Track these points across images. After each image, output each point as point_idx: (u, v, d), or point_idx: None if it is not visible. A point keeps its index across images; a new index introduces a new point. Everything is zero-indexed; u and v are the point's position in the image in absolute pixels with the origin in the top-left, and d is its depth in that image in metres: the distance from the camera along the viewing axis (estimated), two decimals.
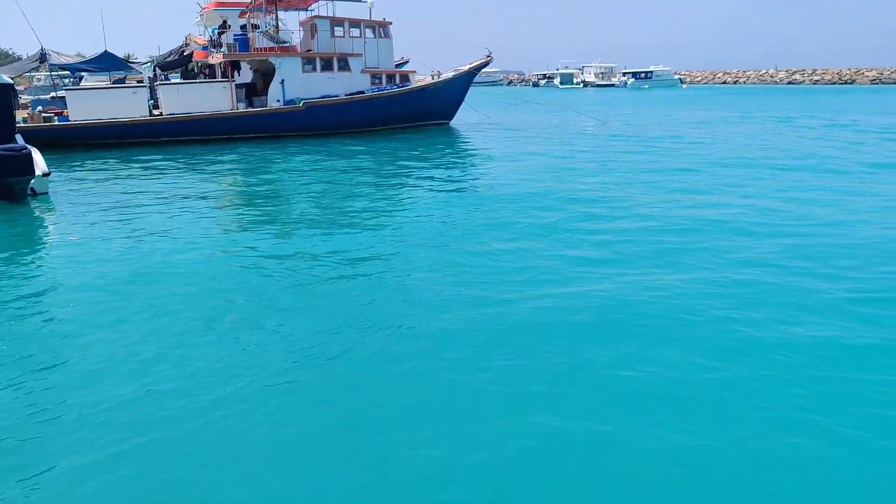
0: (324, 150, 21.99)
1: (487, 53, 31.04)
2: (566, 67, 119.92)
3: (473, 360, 5.57)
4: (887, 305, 6.64)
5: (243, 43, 25.98)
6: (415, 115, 29.00)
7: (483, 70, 32.99)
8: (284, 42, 27.11)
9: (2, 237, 10.35)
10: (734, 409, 4.70)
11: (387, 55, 28.65)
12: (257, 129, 25.57)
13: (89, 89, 25.62)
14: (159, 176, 16.88)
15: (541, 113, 39.94)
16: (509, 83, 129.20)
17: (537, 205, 11.90)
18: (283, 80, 25.84)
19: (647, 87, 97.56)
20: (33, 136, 18.93)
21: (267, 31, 26.55)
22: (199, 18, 30.65)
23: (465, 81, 30.60)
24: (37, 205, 12.99)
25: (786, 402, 4.80)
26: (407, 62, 36.88)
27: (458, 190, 14.14)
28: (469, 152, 21.82)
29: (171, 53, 31.49)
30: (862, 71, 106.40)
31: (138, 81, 27.50)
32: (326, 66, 26.80)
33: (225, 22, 27.72)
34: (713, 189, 13.36)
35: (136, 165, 18.99)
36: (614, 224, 10.38)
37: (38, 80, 39.32)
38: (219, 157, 20.69)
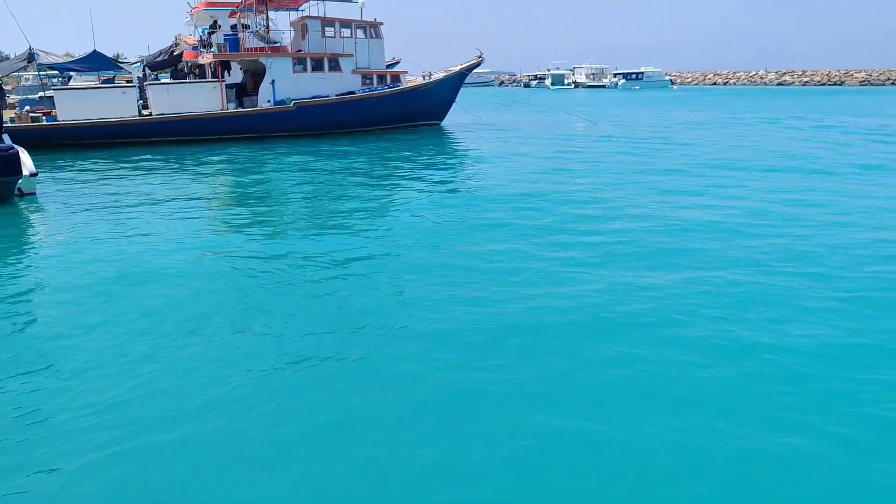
0: (314, 151, 21.93)
1: (479, 54, 31.05)
2: (557, 68, 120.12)
3: (468, 360, 5.56)
4: (875, 305, 6.67)
5: (234, 43, 25.87)
6: (406, 115, 28.97)
7: (474, 71, 32.98)
8: (275, 42, 27.03)
9: None
10: (728, 408, 4.71)
11: (378, 55, 28.59)
12: (247, 129, 25.46)
13: (78, 89, 25.45)
14: (148, 176, 16.78)
15: (532, 114, 39.99)
16: (501, 84, 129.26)
17: (528, 206, 11.90)
18: (273, 81, 25.75)
19: (637, 87, 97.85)
20: (21, 136, 18.75)
21: (257, 31, 26.46)
22: (189, 18, 30.50)
23: (456, 82, 30.60)
24: (24, 205, 12.89)
25: (776, 400, 4.81)
26: (398, 62, 36.84)
27: (449, 191, 14.13)
28: (460, 153, 21.81)
29: (160, 53, 31.32)
30: (851, 72, 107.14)
31: (128, 81, 27.31)
32: (317, 66, 26.73)
33: (215, 22, 27.59)
34: (703, 190, 13.41)
35: (125, 166, 18.87)
36: (605, 225, 10.39)
37: (27, 79, 39.05)
38: (209, 158, 20.59)
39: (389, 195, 13.84)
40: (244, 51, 25.94)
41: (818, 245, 8.93)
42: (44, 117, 23.45)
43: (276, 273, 8.06)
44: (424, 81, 29.94)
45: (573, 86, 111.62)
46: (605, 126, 31.18)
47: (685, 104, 53.22)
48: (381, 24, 28.69)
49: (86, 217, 11.60)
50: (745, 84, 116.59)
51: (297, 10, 29.52)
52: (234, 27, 27.07)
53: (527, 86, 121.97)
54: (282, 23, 32.26)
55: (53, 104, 23.74)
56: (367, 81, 27.91)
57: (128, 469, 4.10)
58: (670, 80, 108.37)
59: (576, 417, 4.65)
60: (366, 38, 28.11)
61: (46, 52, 26.68)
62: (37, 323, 6.54)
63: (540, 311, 6.60)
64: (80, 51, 28.51)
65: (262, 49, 26.10)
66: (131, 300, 7.06)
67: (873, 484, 3.92)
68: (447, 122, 31.74)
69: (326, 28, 27.39)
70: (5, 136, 13.87)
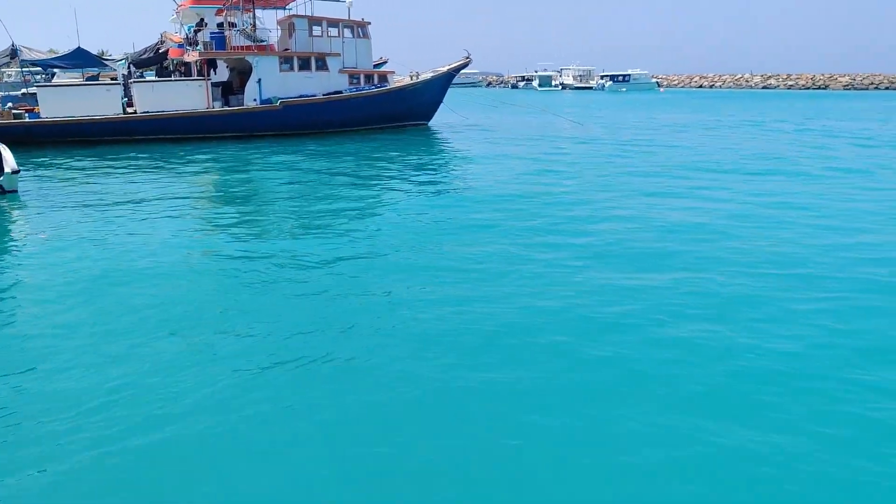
0: (301, 151, 21.84)
1: (466, 55, 31.08)
2: (545, 70, 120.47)
3: (458, 360, 5.56)
4: (857, 307, 6.73)
5: (220, 41, 25.72)
6: (393, 115, 28.93)
7: (462, 71, 33.00)
8: (262, 41, 26.88)
9: None
10: (713, 406, 4.74)
11: (365, 55, 28.54)
12: (233, 128, 25.33)
13: (61, 86, 25.20)
14: (132, 175, 16.64)
15: (519, 115, 40.06)
16: (488, 85, 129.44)
17: (516, 207, 11.91)
18: (259, 79, 25.63)
19: (624, 90, 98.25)
20: (3, 133, 18.59)
21: (244, 29, 26.30)
22: (175, 16, 30.29)
23: (443, 82, 30.60)
24: (5, 202, 12.73)
25: (760, 399, 4.85)
26: (385, 62, 36.79)
27: (437, 192, 14.11)
28: (448, 153, 21.80)
29: (146, 51, 31.10)
30: (835, 77, 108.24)
31: (112, 79, 27.09)
32: (304, 65, 26.63)
33: (202, 20, 27.40)
34: (688, 192, 13.48)
35: (109, 164, 18.70)
36: (592, 226, 10.42)
37: (9, 76, 38.54)
38: (194, 157, 20.45)
39: (376, 196, 13.80)
40: (230, 49, 25.79)
41: (802, 247, 9.00)
42: (26, 114, 23.21)
43: (262, 273, 8.01)
44: (412, 82, 29.91)
45: (560, 87, 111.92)
46: (592, 128, 31.29)
47: (671, 107, 53.51)
48: (369, 23, 28.64)
49: (68, 215, 11.48)
50: (730, 87, 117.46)
51: (284, 8, 29.41)
52: (220, 25, 26.90)
53: (514, 87, 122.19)
54: (269, 21, 32.22)
55: (36, 101, 23.51)
56: (355, 81, 27.85)
57: (113, 470, 4.06)
58: (657, 82, 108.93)
59: (565, 416, 4.67)
60: (353, 37, 28.05)
61: (30, 49, 26.38)
62: (17, 322, 6.46)
63: (528, 312, 6.61)
64: (64, 47, 28.20)
65: (248, 47, 25.96)
66: (114, 299, 6.99)
67: (856, 482, 3.96)
68: (434, 123, 31.73)
69: (314, 27, 27.29)
70: None
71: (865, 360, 5.53)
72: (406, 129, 29.31)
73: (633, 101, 64.10)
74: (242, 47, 25.90)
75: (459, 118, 34.65)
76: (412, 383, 5.18)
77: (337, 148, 22.63)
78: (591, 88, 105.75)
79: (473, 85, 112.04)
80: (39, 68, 28.05)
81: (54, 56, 28.38)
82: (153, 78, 28.57)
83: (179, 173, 17.05)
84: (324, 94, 26.86)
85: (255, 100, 25.74)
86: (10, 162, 13.39)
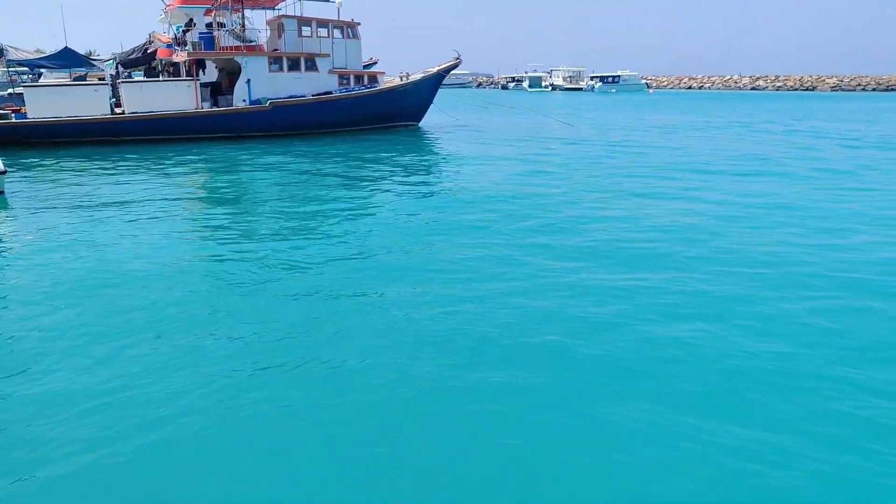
0: (290, 151, 21.77)
1: (456, 55, 31.07)
2: (535, 71, 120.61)
3: (453, 361, 5.57)
4: (846, 307, 6.77)
5: (209, 41, 25.60)
6: (383, 116, 28.89)
7: (452, 72, 33.00)
8: (251, 41, 26.79)
9: None
10: (708, 406, 4.75)
11: (355, 56, 28.49)
12: (222, 128, 25.22)
13: (49, 86, 25.01)
14: (120, 176, 16.53)
15: (509, 116, 40.10)
16: (478, 85, 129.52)
17: (506, 208, 11.91)
18: (249, 80, 25.54)
19: (614, 91, 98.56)
20: None
21: (233, 29, 26.20)
22: (164, 16, 30.11)
23: (433, 83, 30.59)
24: None
25: (749, 396, 4.86)
26: (375, 63, 36.73)
27: (426, 193, 14.10)
28: (438, 154, 21.79)
29: (134, 51, 30.88)
30: (823, 78, 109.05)
31: (100, 79, 26.91)
32: (293, 65, 26.55)
33: (190, 20, 27.26)
34: (678, 193, 13.52)
35: (97, 165, 18.58)
36: (582, 227, 10.43)
37: None
38: (182, 158, 20.35)
39: (367, 197, 13.77)
40: (219, 49, 25.68)
41: (791, 247, 9.05)
42: (13, 114, 23.01)
43: (253, 275, 7.97)
44: (402, 82, 29.88)
45: (550, 88, 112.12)
46: (582, 129, 31.36)
47: (661, 108, 53.73)
48: (359, 24, 28.59)
49: (55, 216, 11.39)
50: (719, 88, 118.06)
51: (274, 8, 29.30)
52: (209, 25, 26.78)
53: (504, 88, 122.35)
54: (258, 21, 32.03)
55: (23, 101, 23.30)
56: (344, 82, 27.79)
57: (105, 473, 4.03)
58: (646, 83, 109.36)
59: (560, 414, 4.69)
60: (343, 38, 27.99)
61: (16, 48, 26.15)
62: (3, 324, 6.38)
63: (521, 312, 6.62)
64: (51, 47, 28.02)
65: (237, 48, 25.86)
66: (102, 301, 6.94)
67: (847, 479, 3.99)
68: (424, 123, 31.72)
69: (303, 27, 27.22)
70: None
71: (855, 359, 5.56)
72: (396, 130, 29.27)
73: (623, 102, 64.32)
74: (231, 48, 25.80)
75: (450, 119, 34.64)
76: (407, 383, 5.18)
77: (327, 149, 22.57)
78: (580, 89, 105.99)
79: (463, 86, 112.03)
80: (26, 68, 27.83)
81: (41, 56, 28.16)
82: (141, 78, 28.41)
83: (168, 174, 16.96)
84: (313, 95, 26.79)
85: (244, 100, 25.64)
86: None
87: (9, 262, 8.69)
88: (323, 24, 27.57)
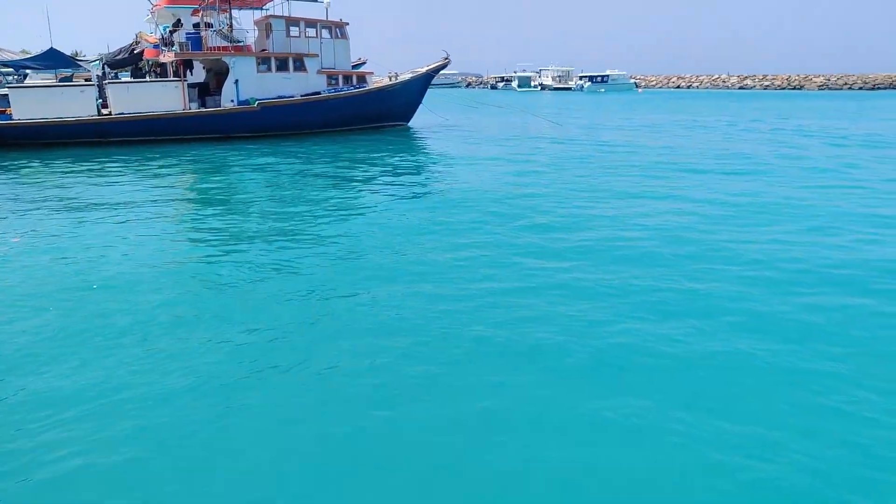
0: (279, 152, 21.69)
1: (445, 55, 31.05)
2: (524, 70, 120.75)
3: (445, 362, 5.55)
4: (835, 305, 6.81)
5: (196, 41, 25.47)
6: (372, 116, 28.84)
7: (441, 72, 32.97)
8: (238, 41, 26.67)
9: None
10: (697, 402, 4.77)
11: (343, 56, 28.42)
12: (210, 129, 25.10)
13: (34, 87, 24.81)
14: (107, 178, 16.41)
15: (498, 115, 40.14)
16: (468, 85, 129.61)
17: (497, 209, 11.90)
18: (237, 80, 25.42)
19: (603, 90, 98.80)
20: None
21: (220, 29, 26.07)
22: (151, 16, 29.95)
23: (422, 83, 30.56)
24: None
25: (741, 392, 4.89)
26: (364, 63, 36.68)
27: (416, 194, 14.08)
28: (427, 154, 21.77)
29: (120, 51, 30.66)
30: (811, 77, 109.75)
31: (86, 80, 26.71)
32: (282, 66, 26.45)
33: (178, 20, 27.13)
34: (666, 193, 13.56)
35: (83, 167, 18.44)
36: (571, 227, 10.45)
37: None
38: (170, 159, 20.23)
39: (356, 197, 13.73)
40: (207, 50, 25.55)
41: (778, 245, 9.09)
42: None
43: (241, 277, 7.92)
44: (391, 82, 29.83)
45: (539, 88, 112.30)
46: (571, 128, 31.42)
47: (649, 107, 53.93)
48: (347, 24, 28.52)
49: (42, 219, 11.29)
50: (707, 87, 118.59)
51: (262, 8, 29.19)
52: (196, 25, 26.64)
53: (493, 87, 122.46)
54: (245, 22, 31.94)
55: (8, 102, 23.09)
56: (333, 82, 27.71)
57: (92, 478, 3.99)
58: (635, 83, 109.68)
59: (555, 413, 4.69)
60: (331, 38, 27.91)
61: (0, 49, 25.95)
62: None
63: (510, 311, 6.62)
64: (37, 48, 27.81)
65: (225, 48, 25.74)
66: (89, 304, 6.88)
67: (827, 472, 4.00)
68: (414, 124, 31.69)
69: (291, 27, 27.12)
70: None
71: (842, 355, 5.60)
72: (385, 130, 29.23)
73: (612, 102, 64.51)
74: (219, 48, 25.68)
75: (439, 119, 34.62)
76: (401, 383, 5.16)
77: (316, 149, 22.51)
78: (569, 89, 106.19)
79: (453, 86, 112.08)
80: (11, 69, 27.56)
81: (26, 56, 27.96)
82: (128, 79, 28.23)
83: (155, 175, 16.86)
84: (302, 95, 26.70)
85: (232, 101, 25.53)
86: None
87: None
88: (311, 24, 27.49)
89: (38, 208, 12.29)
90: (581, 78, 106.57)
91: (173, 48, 25.68)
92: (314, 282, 7.68)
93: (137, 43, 30.32)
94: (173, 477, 4.05)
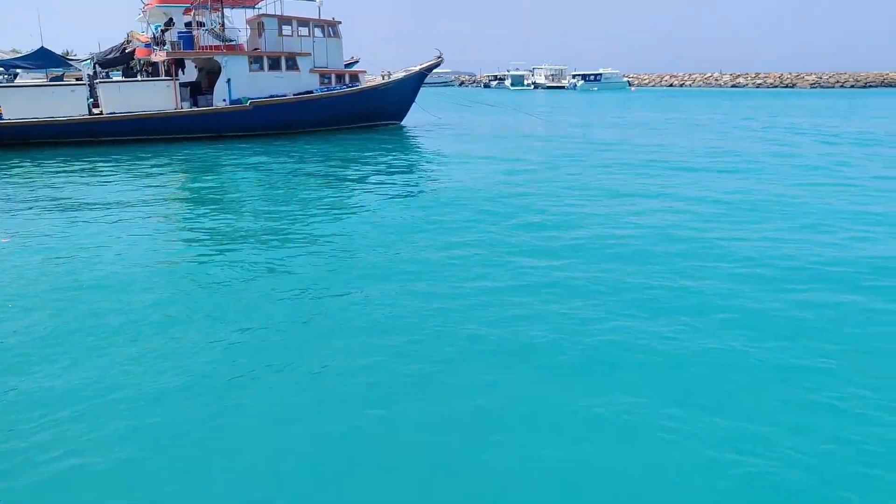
0: (271, 152, 21.63)
1: (438, 54, 31.01)
2: (517, 69, 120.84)
3: (438, 360, 5.55)
4: (819, 303, 6.84)
5: (188, 40, 25.37)
6: (365, 115, 28.79)
7: (434, 71, 32.94)
8: (231, 40, 26.58)
9: None
10: (689, 398, 4.79)
11: (336, 55, 28.36)
12: (202, 129, 25.01)
13: (25, 86, 24.65)
14: (98, 178, 16.33)
15: (491, 114, 40.13)
16: (461, 84, 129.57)
17: (489, 207, 11.91)
18: (229, 80, 25.33)
19: (596, 89, 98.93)
20: None
21: (212, 28, 25.99)
22: (142, 15, 29.77)
23: (415, 82, 30.52)
24: None
25: (731, 388, 4.90)
26: (357, 62, 36.61)
27: (409, 193, 14.07)
28: (420, 153, 21.75)
29: (111, 50, 30.50)
30: (802, 75, 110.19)
31: (77, 79, 26.57)
32: (274, 65, 26.38)
33: (170, 19, 27.00)
34: (659, 191, 13.59)
35: (74, 166, 18.35)
36: (564, 224, 10.46)
37: None
38: (161, 158, 20.15)
39: (349, 197, 13.71)
40: (199, 49, 25.46)
41: (770, 243, 9.12)
42: None
43: (234, 276, 7.90)
44: (384, 81, 29.79)
45: (532, 87, 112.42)
46: (565, 127, 31.46)
47: (642, 105, 54.04)
48: (340, 23, 28.47)
49: (33, 219, 11.23)
50: (700, 86, 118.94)
51: (254, 7, 29.10)
52: (188, 24, 26.54)
53: (487, 86, 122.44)
54: (238, 20, 31.83)
55: None
56: (326, 81, 27.66)
57: (85, 479, 3.97)
58: (628, 81, 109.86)
59: (549, 410, 4.70)
60: (324, 36, 27.85)
61: None
62: None
63: (503, 309, 6.62)
64: (27, 47, 27.66)
65: (217, 47, 25.65)
66: (80, 304, 6.85)
67: (817, 467, 4.02)
68: (407, 122, 31.66)
69: (283, 26, 27.05)
70: None
71: (833, 351, 5.63)
72: (378, 129, 29.19)
73: (605, 100, 64.60)
74: (211, 47, 25.59)
75: (432, 117, 34.60)
76: (394, 381, 5.17)
77: (308, 148, 22.46)
78: (563, 88, 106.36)
79: (446, 84, 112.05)
80: (1, 68, 27.41)
81: (17, 56, 27.81)
82: (120, 78, 28.09)
83: (147, 175, 16.78)
84: (294, 94, 26.63)
85: (224, 100, 25.44)
86: None
87: None
88: (304, 22, 27.42)
89: (30, 208, 12.22)
90: (574, 76, 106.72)
91: (165, 47, 25.58)
92: (307, 281, 7.66)
93: (129, 42, 30.16)
94: (168, 477, 4.04)
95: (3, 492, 3.89)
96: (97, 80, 25.37)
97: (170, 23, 26.75)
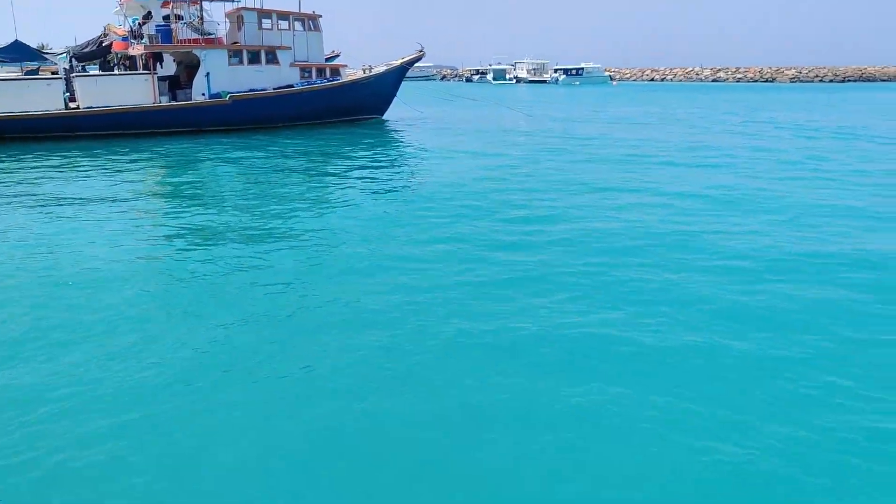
0: (251, 146, 21.45)
1: (420, 48, 30.91)
2: (499, 63, 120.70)
3: (423, 356, 5.53)
4: (799, 297, 6.89)
5: (166, 34, 25.06)
6: (346, 109, 28.63)
7: (416, 65, 32.83)
8: (210, 34, 26.31)
9: None
10: (682, 395, 4.80)
11: (317, 48, 28.15)
12: (181, 123, 24.73)
13: None
14: (75, 173, 16.09)
15: (473, 108, 40.11)
16: (443, 78, 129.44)
17: (470, 202, 11.91)
18: (208, 73, 25.06)
19: (578, 83, 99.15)
20: None
21: (191, 21, 25.70)
22: (119, 8, 29.35)
23: (397, 76, 30.39)
24: None
25: (722, 386, 4.92)
26: (337, 56, 36.43)
27: (391, 188, 14.01)
28: (401, 148, 21.68)
29: (88, 44, 30.05)
30: (782, 70, 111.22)
31: (53, 73, 26.17)
32: (254, 58, 26.14)
33: (148, 12, 26.65)
34: (641, 186, 13.64)
35: (51, 162, 18.06)
36: (546, 220, 10.48)
37: None
38: (140, 153, 19.90)
39: (330, 192, 13.62)
40: (177, 42, 25.17)
41: (752, 237, 9.18)
42: None
43: (214, 273, 7.83)
44: (365, 75, 29.63)
45: (514, 81, 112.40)
46: (546, 122, 31.50)
47: (624, 100, 54.25)
48: (320, 16, 28.26)
49: (8, 214, 11.04)
50: (681, 80, 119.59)
51: (233, 0, 28.79)
52: (166, 17, 26.22)
53: (468, 80, 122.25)
54: (217, 14, 31.46)
55: None
56: (306, 75, 27.45)
57: (66, 478, 3.91)
58: (610, 75, 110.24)
59: (532, 400, 4.69)
60: (304, 30, 27.63)
61: None
62: None
63: (487, 303, 6.62)
64: (1, 40, 27.19)
65: (195, 41, 25.38)
66: (58, 302, 6.75)
67: (798, 454, 4.05)
68: (388, 116, 31.54)
69: (263, 20, 26.79)
70: None
71: (814, 343, 5.68)
72: (359, 123, 29.05)
73: (587, 95, 64.78)
74: (189, 40, 25.31)
75: (413, 112, 34.49)
76: (381, 378, 5.14)
77: (288, 143, 22.29)
78: (544, 82, 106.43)
79: (427, 78, 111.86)
80: None
81: None
82: (97, 72, 27.71)
83: (125, 170, 16.56)
84: (274, 88, 26.41)
85: (203, 94, 25.17)
86: None
87: None
88: (284, 16, 27.19)
89: (8, 203, 12.02)
90: (556, 71, 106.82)
91: (143, 41, 25.25)
92: (290, 276, 7.60)
93: (106, 35, 29.74)
94: (151, 474, 3.99)
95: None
96: (74, 74, 25.00)
97: (148, 16, 26.41)
